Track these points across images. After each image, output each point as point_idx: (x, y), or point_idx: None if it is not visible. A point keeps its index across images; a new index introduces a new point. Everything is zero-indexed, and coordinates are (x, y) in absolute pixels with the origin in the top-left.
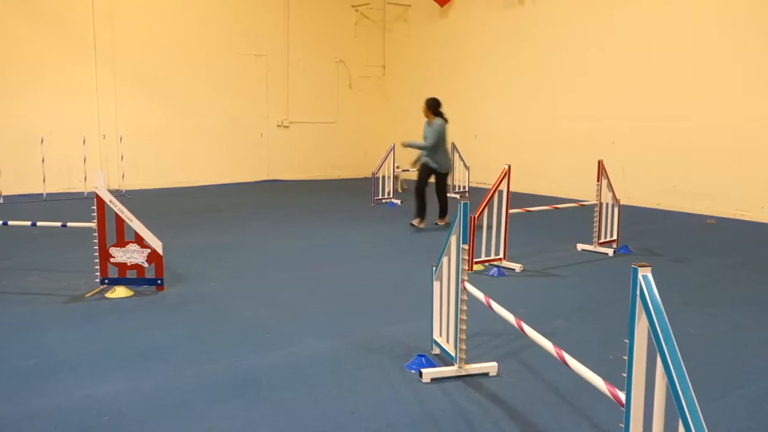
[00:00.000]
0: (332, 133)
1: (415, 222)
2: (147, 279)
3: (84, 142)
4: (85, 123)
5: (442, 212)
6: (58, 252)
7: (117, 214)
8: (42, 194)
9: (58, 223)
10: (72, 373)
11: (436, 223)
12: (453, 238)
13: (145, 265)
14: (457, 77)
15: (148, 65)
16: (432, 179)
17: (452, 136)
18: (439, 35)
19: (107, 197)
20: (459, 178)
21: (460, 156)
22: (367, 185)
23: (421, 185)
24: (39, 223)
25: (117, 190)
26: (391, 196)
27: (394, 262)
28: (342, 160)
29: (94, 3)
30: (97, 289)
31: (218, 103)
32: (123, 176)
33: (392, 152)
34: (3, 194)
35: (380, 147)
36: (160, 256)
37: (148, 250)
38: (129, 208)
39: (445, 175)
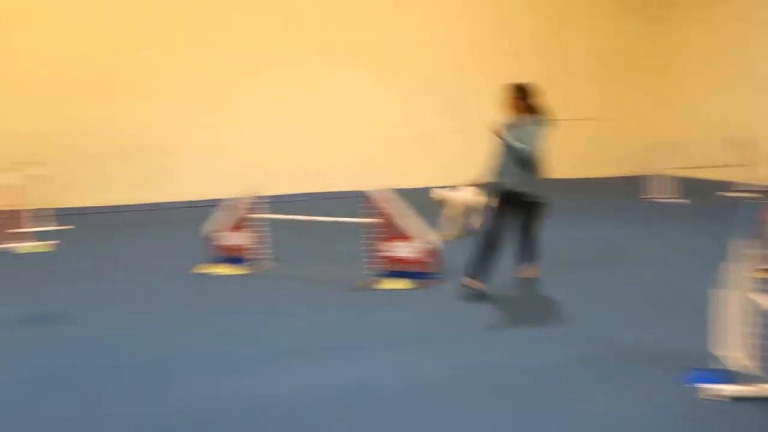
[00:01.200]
0: (596, 129)
1: (469, 282)
2: (423, 273)
3: (354, 142)
4: (357, 123)
5: (532, 255)
6: (338, 244)
7: (393, 211)
8: (317, 193)
9: (339, 218)
10: (343, 355)
11: (523, 276)
12: (739, 242)
13: (421, 259)
14: (742, 64)
15: (413, 65)
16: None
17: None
18: (721, 18)
19: (382, 194)
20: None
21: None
22: (634, 183)
23: (500, 225)
24: (317, 219)
25: (385, 188)
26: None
27: (666, 264)
28: (605, 156)
29: (354, 7)
30: (375, 281)
31: (480, 103)
32: (391, 175)
33: (671, 149)
34: (284, 192)
35: (649, 143)
36: (437, 251)
37: (425, 245)
38: (403, 205)
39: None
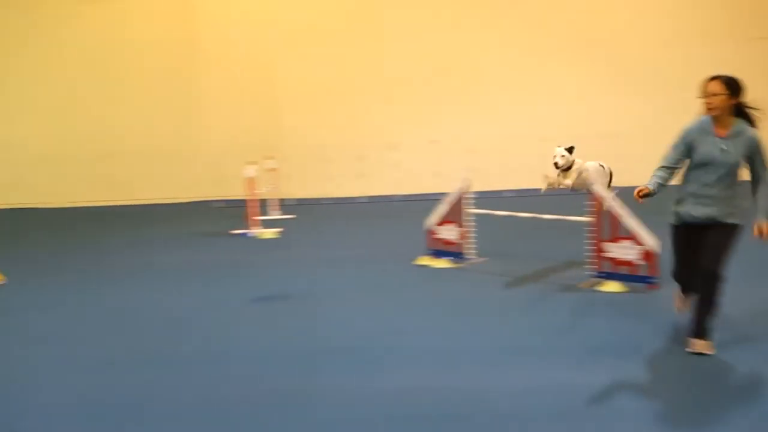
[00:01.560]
0: None
1: (699, 346)
2: (640, 276)
3: (576, 138)
4: (579, 120)
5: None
6: (557, 242)
7: (612, 210)
8: (536, 189)
9: (557, 216)
10: (552, 358)
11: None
12: None
13: (639, 262)
14: None
15: (631, 55)
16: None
17: None
18: None
19: (603, 193)
20: None
21: None
22: None
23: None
24: (539, 216)
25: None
26: None
27: None
28: None
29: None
30: (591, 282)
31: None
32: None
33: None
34: (504, 188)
35: None
36: (655, 255)
37: (643, 248)
38: (623, 205)
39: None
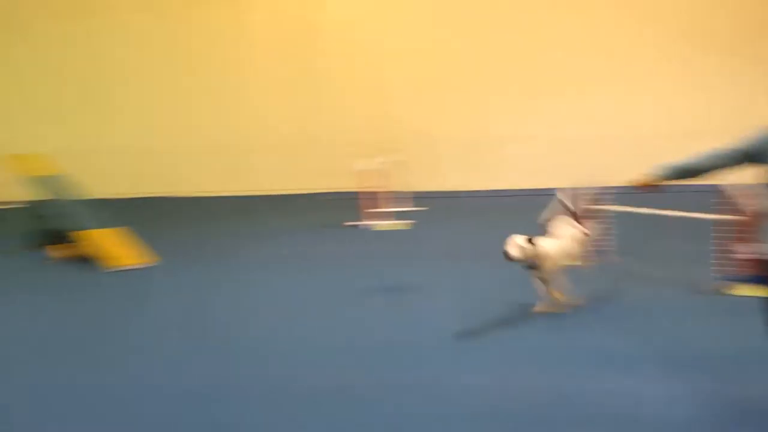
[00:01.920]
0: None
1: None
2: None
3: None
4: (690, 114)
5: None
6: (683, 243)
7: (747, 210)
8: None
9: (683, 213)
10: (684, 366)
11: None
12: None
13: None
14: None
15: (738, 48)
16: None
17: None
18: None
19: (740, 189)
20: None
21: None
22: None
23: None
24: (665, 213)
25: (743, 183)
26: None
27: None
28: None
29: None
30: (719, 285)
31: None
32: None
33: None
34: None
35: None
36: None
37: None
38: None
39: None
